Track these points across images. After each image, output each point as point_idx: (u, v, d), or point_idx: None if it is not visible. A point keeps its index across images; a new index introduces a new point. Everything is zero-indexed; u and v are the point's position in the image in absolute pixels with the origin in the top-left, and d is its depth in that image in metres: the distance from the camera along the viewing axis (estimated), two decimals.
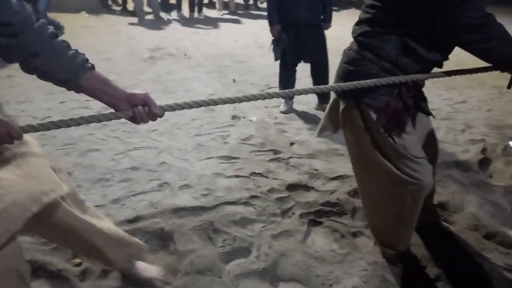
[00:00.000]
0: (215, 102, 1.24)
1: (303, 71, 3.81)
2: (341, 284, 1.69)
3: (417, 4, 1.32)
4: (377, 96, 1.46)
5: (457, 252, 1.84)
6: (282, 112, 3.58)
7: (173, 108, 1.20)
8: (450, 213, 2.14)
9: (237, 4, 9.29)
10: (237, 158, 2.70)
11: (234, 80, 4.58)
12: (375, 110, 1.48)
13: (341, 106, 1.59)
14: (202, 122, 3.32)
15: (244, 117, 3.45)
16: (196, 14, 8.44)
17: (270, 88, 4.32)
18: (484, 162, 2.67)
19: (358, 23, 1.51)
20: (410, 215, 1.60)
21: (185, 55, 5.64)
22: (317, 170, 2.57)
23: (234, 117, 3.45)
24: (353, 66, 1.49)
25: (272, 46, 3.50)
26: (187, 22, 8.01)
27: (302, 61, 3.54)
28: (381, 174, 1.54)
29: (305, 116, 3.50)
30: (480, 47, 1.33)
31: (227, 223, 2.02)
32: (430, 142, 1.69)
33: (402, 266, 1.76)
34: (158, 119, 1.17)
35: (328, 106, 1.72)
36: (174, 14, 8.37)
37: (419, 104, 1.57)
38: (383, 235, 1.79)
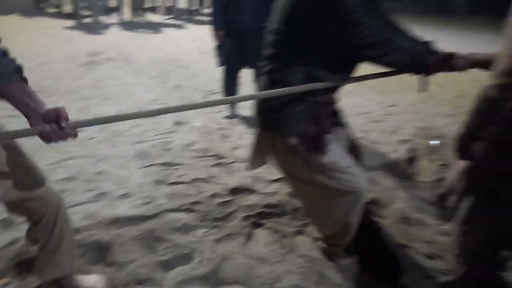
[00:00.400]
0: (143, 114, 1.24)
1: (246, 76, 3.87)
2: (281, 283, 1.75)
3: (314, 34, 1.40)
4: (295, 124, 1.52)
5: (387, 244, 1.98)
6: (226, 118, 3.61)
7: (89, 123, 1.14)
8: (381, 208, 2.30)
9: (181, 9, 9.21)
10: (180, 164, 2.68)
11: (176, 85, 4.54)
12: (295, 138, 1.53)
13: (265, 136, 1.63)
14: (144, 129, 3.26)
15: (187, 123, 3.44)
16: (137, 18, 8.25)
17: (213, 93, 4.34)
18: (411, 161, 2.89)
19: (264, 59, 1.57)
20: (354, 219, 1.68)
21: (126, 60, 5.50)
22: (260, 173, 2.63)
23: (177, 123, 3.43)
24: (267, 101, 1.55)
25: (216, 52, 3.52)
26: (128, 26, 7.81)
27: (245, 67, 3.60)
28: (319, 191, 1.60)
29: (248, 121, 3.56)
30: (385, 60, 1.44)
31: (169, 231, 2.00)
32: (353, 148, 1.80)
33: (343, 261, 1.85)
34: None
35: (254, 139, 1.74)
36: (114, 18, 8.11)
37: (336, 120, 1.67)
38: (329, 239, 1.83)
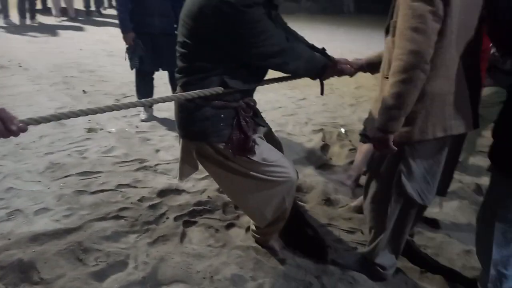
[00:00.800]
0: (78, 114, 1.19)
1: (159, 78, 3.81)
2: (220, 274, 1.80)
3: (221, 45, 1.47)
4: (220, 132, 1.59)
5: (312, 225, 2.15)
6: (142, 121, 3.52)
7: (37, 121, 1.11)
8: (303, 193, 2.48)
9: (77, 10, 8.58)
10: (100, 172, 2.56)
11: (84, 91, 4.27)
12: (222, 144, 1.61)
13: (192, 147, 1.67)
14: (53, 139, 3.03)
15: (102, 129, 3.28)
16: (28, 21, 7.49)
17: (126, 97, 4.18)
18: (325, 148, 3.16)
19: (179, 71, 1.61)
20: (289, 206, 1.79)
21: (20, 66, 4.99)
22: None
23: (90, 129, 3.24)
24: (188, 114, 1.59)
25: (127, 55, 3.40)
26: (17, 30, 7.05)
27: (159, 70, 3.53)
28: (256, 187, 1.68)
29: (168, 123, 3.52)
30: (289, 67, 1.59)
31: (98, 240, 1.92)
32: (273, 142, 1.93)
33: (277, 245, 1.96)
34: None
35: (180, 150, 1.76)
36: (0, 21, 7.27)
37: (257, 121, 1.76)
38: (266, 227, 1.88)
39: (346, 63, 1.80)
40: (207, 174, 2.58)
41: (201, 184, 2.51)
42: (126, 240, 1.96)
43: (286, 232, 1.99)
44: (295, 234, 2.05)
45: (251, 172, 1.64)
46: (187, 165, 1.76)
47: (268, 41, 1.47)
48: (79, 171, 2.55)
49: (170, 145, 3.07)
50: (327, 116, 3.91)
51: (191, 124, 1.60)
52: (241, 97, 1.61)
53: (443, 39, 1.31)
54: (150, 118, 3.57)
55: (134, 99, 4.17)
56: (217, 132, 1.59)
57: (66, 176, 2.48)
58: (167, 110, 3.78)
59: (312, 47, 1.80)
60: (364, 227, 2.15)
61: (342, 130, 3.47)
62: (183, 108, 1.61)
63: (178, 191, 2.41)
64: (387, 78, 1.42)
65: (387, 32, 1.50)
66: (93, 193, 2.31)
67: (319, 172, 2.76)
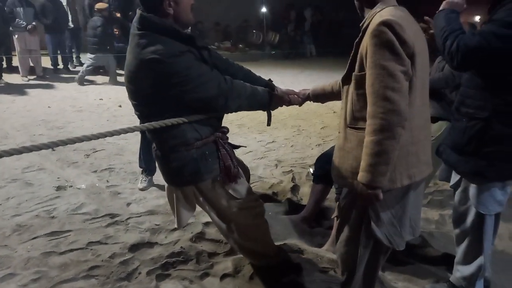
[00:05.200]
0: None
1: None
2: None
3: (164, 98, 1.56)
4: (211, 167, 1.70)
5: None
6: (141, 190, 3.21)
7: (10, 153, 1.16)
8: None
9: (45, 68, 8.62)
10: (69, 231, 2.51)
11: (52, 148, 4.24)
12: (218, 177, 1.74)
13: (189, 191, 1.77)
14: (20, 200, 2.96)
15: (71, 186, 3.24)
16: None
17: (96, 151, 4.18)
18: (295, 189, 3.24)
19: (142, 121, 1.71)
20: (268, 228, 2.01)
21: None
22: (158, 224, 2.63)
23: (59, 187, 3.20)
24: (177, 163, 1.68)
25: None
26: None
27: None
28: (244, 217, 1.85)
29: (137, 174, 3.51)
30: (231, 108, 1.69)
31: None
32: (242, 165, 2.06)
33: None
34: None
35: (174, 200, 1.82)
36: None
37: (233, 145, 1.89)
38: (257, 255, 2.05)
39: (293, 94, 1.95)
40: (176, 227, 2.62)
41: (174, 235, 2.51)
42: None
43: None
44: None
45: (241, 200, 1.81)
46: (184, 210, 1.82)
47: (205, 86, 1.55)
48: (47, 231, 2.50)
49: (142, 197, 3.07)
50: (295, 157, 4.03)
51: (182, 171, 1.67)
52: (215, 129, 1.72)
53: (409, 96, 1.40)
54: (149, 185, 3.26)
55: (104, 153, 4.18)
56: (209, 169, 1.68)
57: (33, 238, 2.42)
58: (132, 162, 3.79)
59: (258, 80, 1.94)
60: (336, 266, 2.20)
61: (311, 170, 3.58)
62: (169, 160, 1.68)
63: (150, 244, 2.39)
64: (351, 128, 1.52)
65: (344, 82, 1.58)
66: (62, 253, 2.27)
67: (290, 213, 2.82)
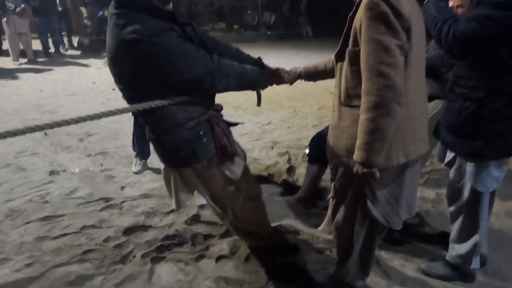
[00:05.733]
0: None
1: None
2: None
3: (149, 80, 1.48)
4: (206, 147, 1.64)
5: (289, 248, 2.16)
6: (135, 173, 3.17)
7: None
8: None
9: (36, 51, 8.47)
10: (63, 215, 2.49)
11: (45, 133, 4.18)
12: (213, 157, 1.67)
13: (188, 173, 1.71)
14: (13, 185, 2.93)
15: (65, 170, 3.20)
16: None
17: (89, 135, 4.12)
18: (291, 170, 3.21)
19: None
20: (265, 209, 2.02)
21: None
22: (153, 207, 2.61)
23: (52, 172, 3.16)
24: (170, 145, 1.63)
25: None
26: None
27: None
28: (240, 199, 1.80)
29: (131, 158, 3.47)
30: (219, 87, 1.61)
31: (61, 287, 1.85)
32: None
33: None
34: None
35: (172, 182, 1.78)
36: None
37: (228, 123, 1.83)
38: (253, 237, 2.03)
39: (284, 72, 1.89)
40: (173, 208, 2.59)
41: (169, 218, 2.49)
42: (91, 284, 1.90)
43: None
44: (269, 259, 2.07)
45: (237, 180, 1.76)
46: (182, 192, 1.78)
47: (191, 66, 1.47)
48: (41, 216, 2.47)
49: (136, 180, 3.04)
50: (291, 139, 3.99)
51: (177, 152, 1.62)
52: (207, 107, 1.66)
53: (405, 71, 1.35)
54: (144, 168, 3.21)
55: (97, 137, 4.13)
56: (204, 149, 1.63)
57: (27, 223, 2.40)
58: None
59: (246, 58, 1.87)
60: (332, 246, 2.19)
61: (306, 151, 3.54)
62: (163, 143, 1.64)
63: (145, 228, 2.37)
64: (346, 106, 1.47)
65: (338, 59, 1.52)
66: (56, 237, 2.24)
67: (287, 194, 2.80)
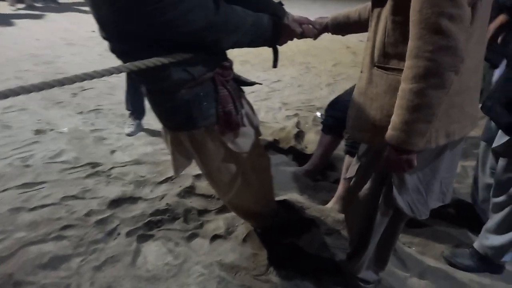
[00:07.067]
0: None
1: None
2: None
3: (133, 30, 1.17)
4: (206, 112, 1.35)
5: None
6: (128, 135, 2.90)
7: None
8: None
9: None
10: (44, 182, 2.25)
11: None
12: (214, 125, 1.38)
13: (184, 137, 1.44)
14: None
15: (52, 129, 2.94)
16: None
17: (84, 90, 3.82)
18: (299, 135, 2.89)
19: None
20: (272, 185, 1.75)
21: None
22: (143, 176, 2.35)
23: (38, 131, 2.90)
24: (166, 104, 1.36)
25: None
26: None
27: None
28: (242, 175, 1.53)
29: (125, 116, 3.18)
30: (224, 44, 1.29)
31: (33, 270, 1.64)
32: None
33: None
34: None
35: (169, 144, 1.53)
36: None
37: (241, 81, 1.52)
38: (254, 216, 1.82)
39: (308, 23, 1.51)
40: (168, 176, 2.34)
41: (161, 189, 2.23)
42: (67, 266, 1.68)
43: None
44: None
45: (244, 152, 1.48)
46: (180, 156, 1.54)
47: (186, 16, 1.15)
48: (19, 183, 2.23)
49: (129, 143, 2.77)
50: (302, 99, 3.64)
51: (174, 113, 1.36)
52: (214, 64, 1.34)
53: (470, 27, 1.00)
54: (137, 130, 2.93)
55: (93, 92, 3.83)
56: (203, 114, 1.34)
57: (3, 191, 2.17)
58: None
59: (264, 3, 1.47)
60: (341, 228, 1.93)
61: (318, 114, 3.21)
62: (157, 103, 1.38)
63: (133, 200, 2.13)
64: (380, 68, 1.14)
65: (376, 3, 1.15)
66: (33, 209, 2.01)
67: (294, 164, 2.50)
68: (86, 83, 3.93)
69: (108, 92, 3.83)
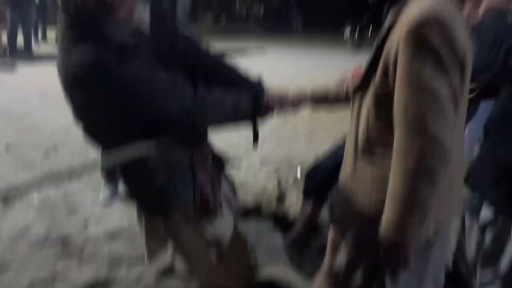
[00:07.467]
0: None
1: None
2: None
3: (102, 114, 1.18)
4: (183, 196, 1.32)
5: None
6: (102, 203, 2.74)
7: None
8: None
9: (3, 47, 7.80)
10: (10, 263, 2.08)
11: (6, 148, 3.71)
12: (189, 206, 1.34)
13: (157, 219, 1.39)
14: None
15: (21, 197, 2.78)
16: None
17: (58, 147, 3.69)
18: (281, 199, 2.84)
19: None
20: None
21: None
22: (119, 253, 2.21)
23: (5, 200, 2.73)
24: (139, 183, 1.33)
25: None
26: None
27: None
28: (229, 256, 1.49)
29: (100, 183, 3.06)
30: (203, 126, 1.30)
31: None
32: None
33: None
34: None
35: (144, 231, 1.46)
36: None
37: (219, 164, 1.49)
38: None
39: (287, 100, 1.45)
40: (144, 254, 2.21)
41: (136, 270, 2.09)
42: None
43: None
44: None
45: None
46: (154, 240, 1.45)
47: (163, 101, 1.14)
48: None
49: (103, 213, 2.63)
50: (281, 154, 3.62)
51: (145, 194, 1.32)
52: (191, 146, 1.33)
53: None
54: (113, 197, 2.74)
55: (66, 150, 3.69)
56: (178, 197, 1.30)
57: None
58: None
59: (243, 81, 1.46)
60: None
61: (298, 172, 3.19)
62: (129, 181, 1.35)
63: (105, 285, 1.98)
64: (364, 156, 1.12)
65: (357, 92, 1.13)
66: None
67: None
68: (59, 143, 3.82)
69: (84, 148, 3.71)
